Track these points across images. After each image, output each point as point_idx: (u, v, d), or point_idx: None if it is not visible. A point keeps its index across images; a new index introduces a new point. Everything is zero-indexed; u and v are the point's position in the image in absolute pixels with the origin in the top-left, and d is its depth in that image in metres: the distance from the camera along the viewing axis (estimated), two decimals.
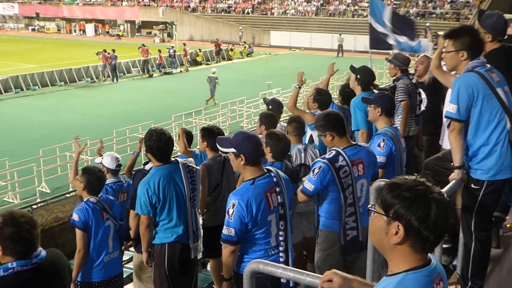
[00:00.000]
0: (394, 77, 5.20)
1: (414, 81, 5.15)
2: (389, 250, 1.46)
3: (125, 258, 5.35)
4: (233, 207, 2.65)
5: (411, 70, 5.87)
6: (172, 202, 3.44)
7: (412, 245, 1.42)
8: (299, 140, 4.21)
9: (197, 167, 3.69)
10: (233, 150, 2.72)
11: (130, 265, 5.49)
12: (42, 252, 2.19)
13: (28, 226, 2.14)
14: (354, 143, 3.43)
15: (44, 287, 2.17)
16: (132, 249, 4.96)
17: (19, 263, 2.10)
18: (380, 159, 3.51)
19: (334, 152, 3.26)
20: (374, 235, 1.50)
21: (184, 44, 28.21)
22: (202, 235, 3.72)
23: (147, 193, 3.37)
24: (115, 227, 3.68)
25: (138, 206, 3.43)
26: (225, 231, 2.69)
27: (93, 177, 3.66)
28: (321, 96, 4.81)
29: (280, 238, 2.80)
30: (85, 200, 3.66)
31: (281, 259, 2.79)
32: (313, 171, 3.24)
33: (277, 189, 2.77)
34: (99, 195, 3.73)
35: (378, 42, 8.53)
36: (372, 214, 1.50)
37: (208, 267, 4.73)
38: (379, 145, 3.55)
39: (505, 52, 3.36)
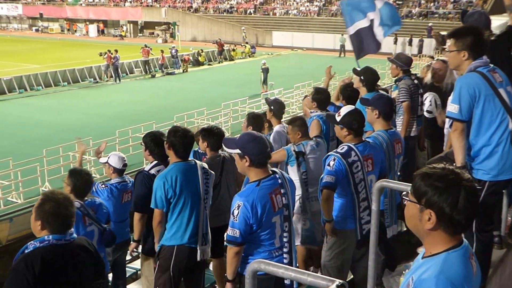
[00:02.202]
0: (396, 78, 5.18)
1: (416, 81, 5.13)
2: (425, 235, 1.57)
3: (128, 257, 5.37)
4: (238, 209, 2.65)
5: (413, 71, 5.85)
6: (186, 200, 3.44)
7: (445, 229, 1.53)
8: (309, 137, 4.21)
9: (212, 172, 3.70)
10: (238, 151, 2.71)
11: (133, 265, 5.52)
12: (74, 233, 2.35)
13: (67, 202, 2.33)
14: (364, 139, 3.49)
15: (74, 262, 2.31)
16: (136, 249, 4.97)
17: (55, 237, 2.26)
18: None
19: (346, 148, 3.32)
20: (409, 221, 1.61)
21: (191, 49, 27.86)
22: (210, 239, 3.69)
23: (164, 186, 3.36)
24: (99, 231, 3.59)
25: (153, 200, 3.41)
26: (230, 232, 2.69)
27: (79, 180, 3.56)
28: (320, 95, 4.81)
29: (284, 240, 2.81)
30: None
31: (285, 261, 2.79)
32: (329, 164, 3.29)
33: (282, 191, 2.77)
34: (85, 199, 3.64)
35: (366, 46, 6.22)
36: (405, 202, 1.60)
37: (210, 267, 4.75)
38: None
39: (489, 48, 3.37)
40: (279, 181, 2.78)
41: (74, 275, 2.31)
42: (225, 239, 3.60)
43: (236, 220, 2.65)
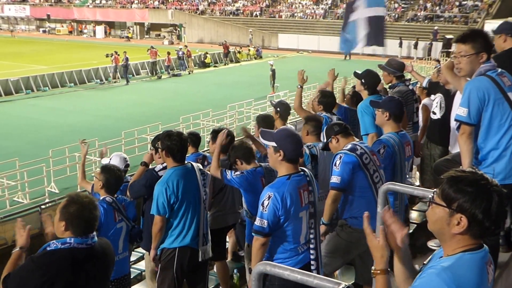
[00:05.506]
0: (390, 84, 4.95)
1: (410, 87, 4.99)
2: (449, 238, 1.54)
3: (132, 258, 5.39)
4: (268, 199, 2.67)
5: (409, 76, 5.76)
6: (188, 203, 3.46)
7: (473, 234, 1.51)
8: (319, 138, 4.10)
9: (208, 172, 3.72)
10: (274, 144, 2.75)
11: (138, 265, 5.53)
12: (95, 237, 2.35)
13: (91, 206, 2.34)
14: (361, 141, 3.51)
15: (93, 268, 2.30)
16: (141, 250, 4.98)
17: (77, 240, 2.27)
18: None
19: (350, 145, 3.36)
20: (435, 224, 1.57)
21: (186, 46, 28.14)
22: (210, 239, 3.72)
23: (166, 192, 3.38)
24: (127, 228, 3.65)
25: (154, 207, 3.43)
26: (257, 222, 2.70)
27: (112, 176, 3.62)
28: (326, 98, 4.77)
29: (311, 236, 2.84)
30: (101, 199, 3.62)
31: (311, 256, 2.81)
32: (335, 164, 3.30)
33: (310, 188, 2.81)
34: (116, 195, 3.69)
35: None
36: (431, 205, 1.56)
37: (215, 269, 4.75)
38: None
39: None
40: (307, 178, 2.82)
41: (89, 279, 2.29)
42: (245, 236, 3.66)
43: (265, 210, 2.67)
